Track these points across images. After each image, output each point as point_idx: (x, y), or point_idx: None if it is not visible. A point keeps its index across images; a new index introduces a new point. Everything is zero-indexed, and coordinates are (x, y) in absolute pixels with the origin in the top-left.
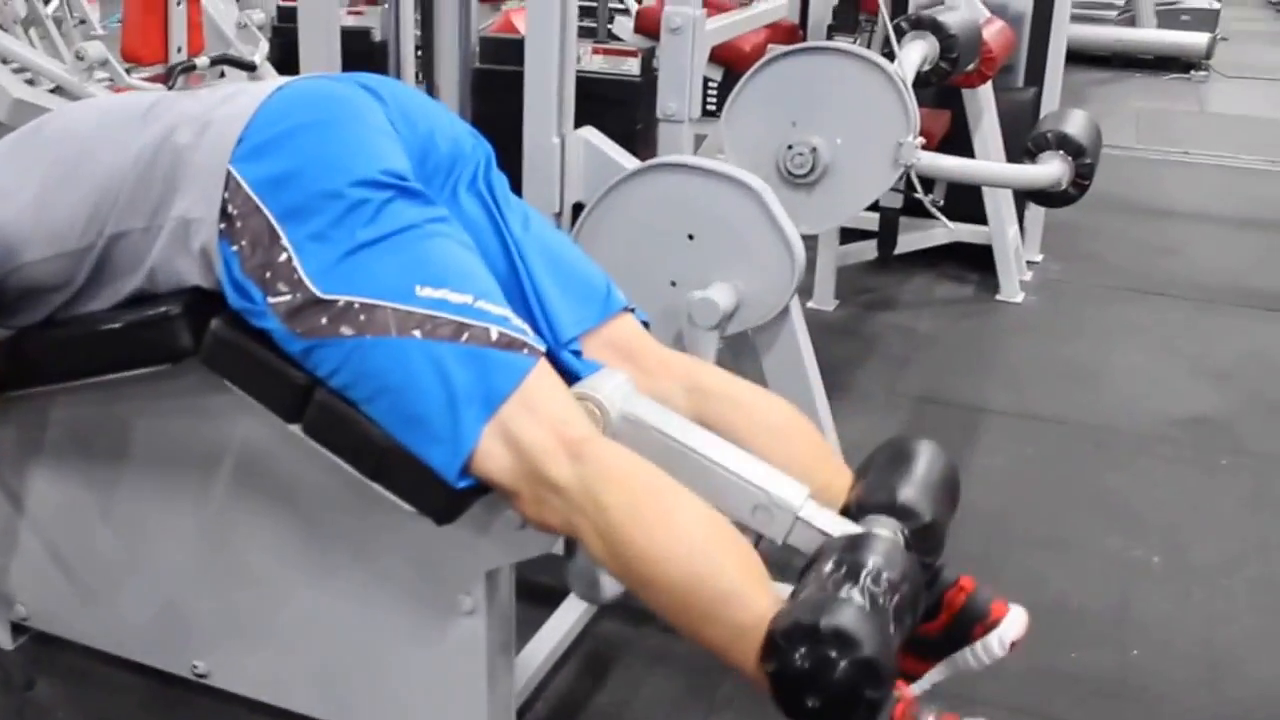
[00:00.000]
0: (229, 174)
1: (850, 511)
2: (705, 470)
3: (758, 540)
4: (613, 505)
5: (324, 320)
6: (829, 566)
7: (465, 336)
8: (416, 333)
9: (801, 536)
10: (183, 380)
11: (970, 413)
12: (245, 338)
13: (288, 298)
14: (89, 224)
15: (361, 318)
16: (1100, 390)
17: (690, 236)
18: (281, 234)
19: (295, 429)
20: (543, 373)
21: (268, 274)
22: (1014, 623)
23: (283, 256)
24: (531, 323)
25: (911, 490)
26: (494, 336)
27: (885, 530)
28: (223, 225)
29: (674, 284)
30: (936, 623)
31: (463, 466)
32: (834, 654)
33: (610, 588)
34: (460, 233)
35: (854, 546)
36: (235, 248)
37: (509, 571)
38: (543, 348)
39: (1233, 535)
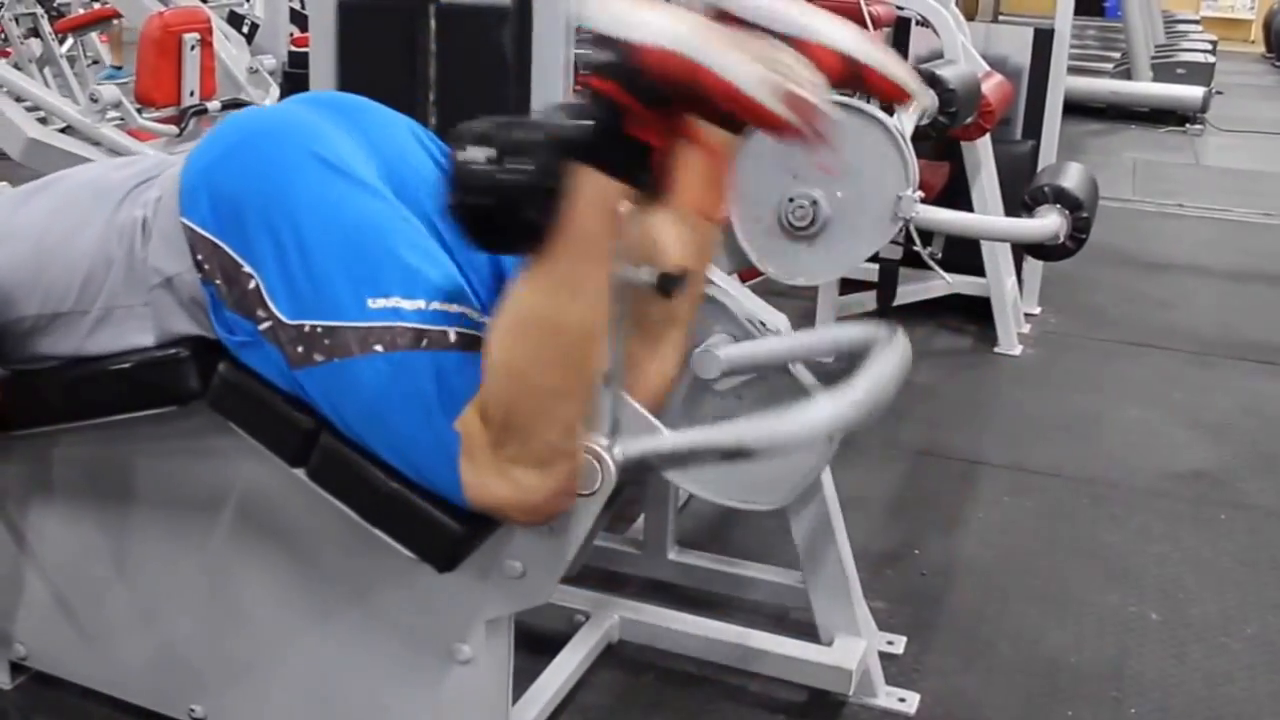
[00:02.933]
0: (184, 226)
1: None
2: None
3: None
4: (487, 414)
5: (299, 348)
6: None
7: (424, 342)
8: (378, 347)
9: None
10: (188, 423)
11: (967, 465)
12: (252, 381)
13: (268, 324)
14: (82, 292)
15: (326, 342)
16: (1097, 443)
17: None
18: (242, 263)
19: (300, 474)
20: None
21: (247, 303)
22: None
23: (251, 284)
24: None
25: None
26: (452, 339)
27: None
28: (200, 274)
29: None
30: None
31: (459, 481)
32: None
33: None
34: (408, 218)
35: None
36: (213, 287)
37: (508, 620)
38: None
39: (1231, 591)
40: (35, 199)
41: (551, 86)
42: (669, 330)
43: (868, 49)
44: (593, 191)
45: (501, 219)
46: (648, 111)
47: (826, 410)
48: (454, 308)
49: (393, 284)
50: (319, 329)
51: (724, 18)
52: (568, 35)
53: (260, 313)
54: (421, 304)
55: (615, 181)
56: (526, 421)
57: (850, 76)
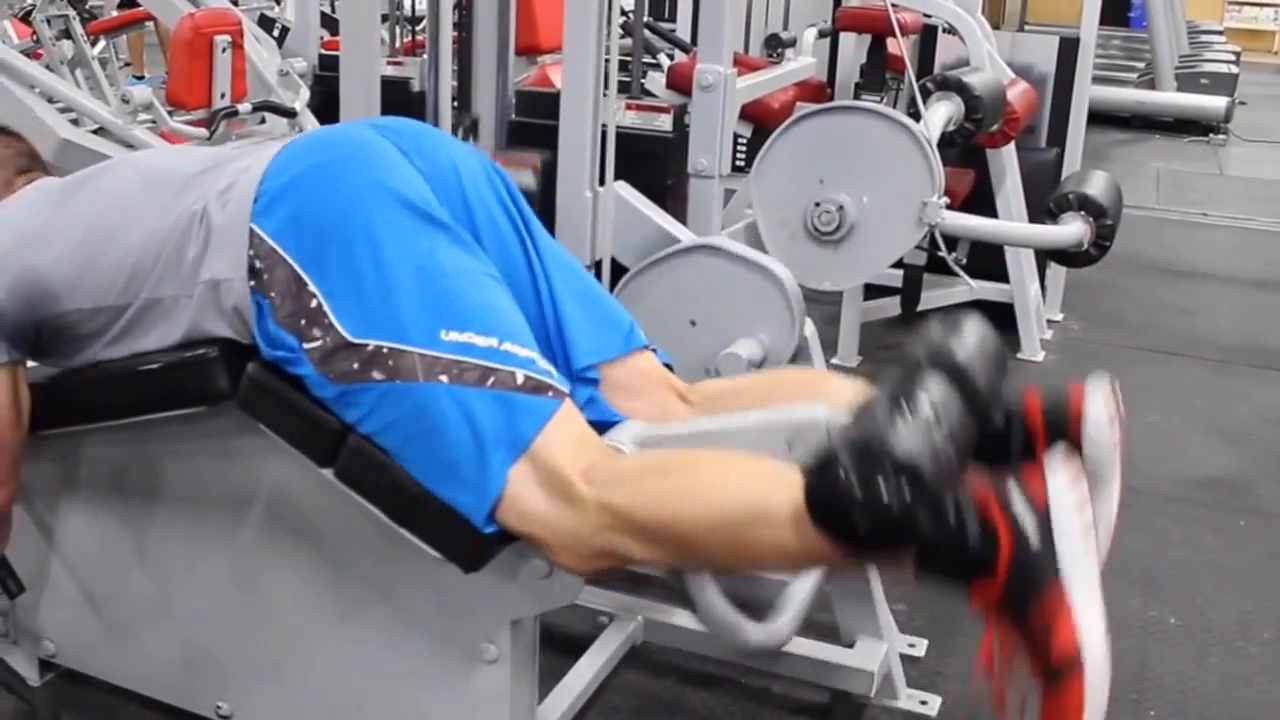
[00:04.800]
0: (251, 231)
1: None
2: (730, 441)
3: None
4: (625, 502)
5: (355, 365)
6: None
7: (491, 381)
8: (443, 378)
9: None
10: (217, 422)
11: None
12: (280, 382)
13: (320, 342)
14: (128, 285)
15: (390, 363)
16: None
17: (692, 322)
18: (308, 280)
19: (327, 473)
20: (567, 415)
21: (301, 321)
22: (1094, 403)
23: (313, 303)
24: (550, 349)
25: (942, 341)
26: (519, 380)
27: (907, 369)
28: (252, 282)
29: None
30: (1040, 450)
31: (490, 511)
32: (868, 462)
33: (756, 634)
34: (484, 262)
35: (875, 395)
36: (267, 300)
37: (534, 621)
38: (567, 388)
39: (1250, 596)
40: (80, 194)
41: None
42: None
43: None
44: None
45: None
46: (1000, 614)
47: None
48: (524, 351)
49: (468, 320)
50: (385, 349)
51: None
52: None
53: (315, 331)
54: (494, 342)
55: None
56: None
57: None
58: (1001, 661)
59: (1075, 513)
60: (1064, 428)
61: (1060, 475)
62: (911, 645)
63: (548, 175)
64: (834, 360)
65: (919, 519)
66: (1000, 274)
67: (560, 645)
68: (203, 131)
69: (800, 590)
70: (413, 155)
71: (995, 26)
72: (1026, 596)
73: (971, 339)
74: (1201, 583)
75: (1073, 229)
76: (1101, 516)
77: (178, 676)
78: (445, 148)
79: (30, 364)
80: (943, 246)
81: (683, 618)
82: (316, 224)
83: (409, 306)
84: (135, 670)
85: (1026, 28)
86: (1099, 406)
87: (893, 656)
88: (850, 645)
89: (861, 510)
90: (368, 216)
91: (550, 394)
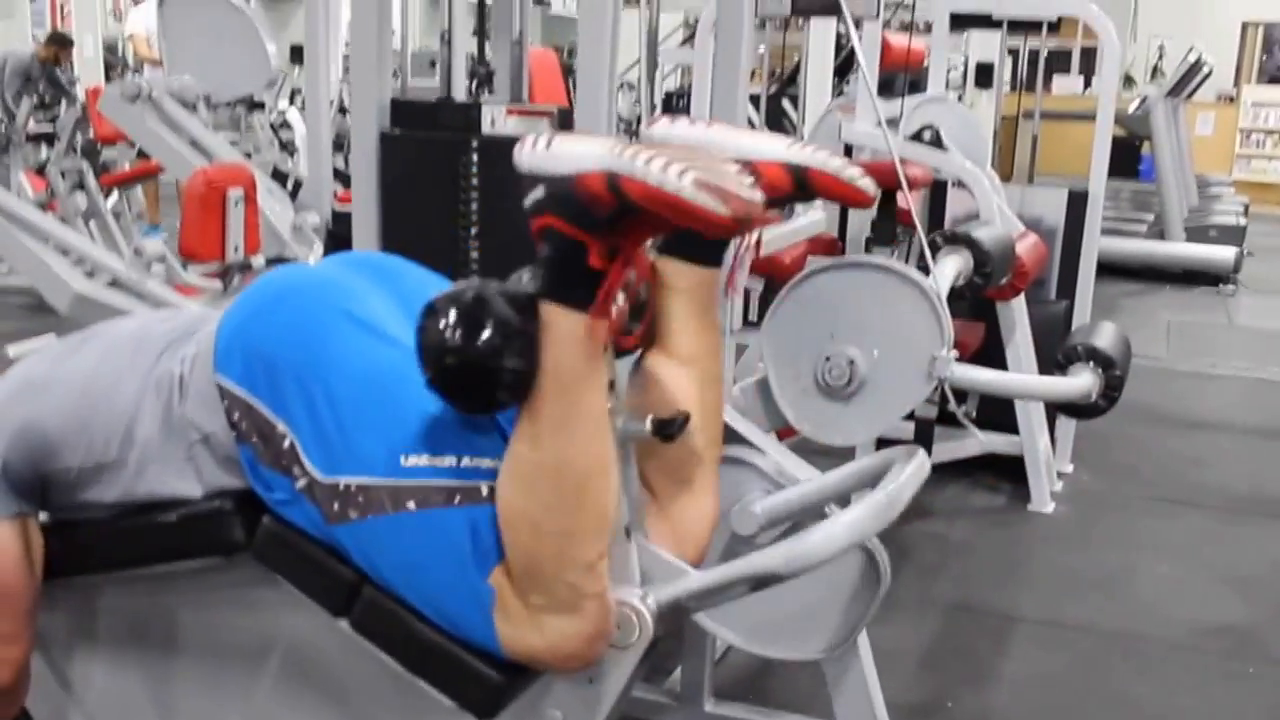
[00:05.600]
0: (219, 385)
1: None
2: None
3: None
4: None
5: (335, 505)
6: None
7: (457, 499)
8: (411, 504)
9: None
10: (233, 573)
11: (1001, 621)
12: (294, 533)
13: (304, 481)
14: (123, 442)
15: (359, 499)
16: (1128, 599)
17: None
18: (276, 422)
19: (343, 624)
20: None
21: (283, 462)
22: None
23: (285, 443)
24: None
25: None
26: (484, 493)
27: None
28: (234, 431)
29: None
30: None
31: (493, 630)
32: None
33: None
34: None
35: None
36: (250, 446)
37: None
38: None
39: None
40: (80, 351)
41: None
42: (695, 471)
43: (809, 154)
44: (564, 329)
45: (478, 378)
46: (594, 238)
47: (846, 522)
48: (485, 462)
49: (424, 441)
50: (353, 486)
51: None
52: None
53: (296, 470)
54: (452, 460)
55: (584, 315)
56: (545, 567)
57: (799, 185)
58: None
59: None
60: None
61: None
62: None
63: (564, 124)
64: None
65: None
66: (1010, 426)
67: None
68: (217, 284)
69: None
70: (382, 284)
71: (1005, 179)
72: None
73: None
74: None
75: (1082, 381)
76: None
77: None
78: (421, 282)
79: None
80: (952, 400)
81: None
82: (267, 363)
83: (366, 437)
84: None
85: (1036, 180)
86: None
87: None
88: None
89: (450, 355)
90: (312, 342)
91: None
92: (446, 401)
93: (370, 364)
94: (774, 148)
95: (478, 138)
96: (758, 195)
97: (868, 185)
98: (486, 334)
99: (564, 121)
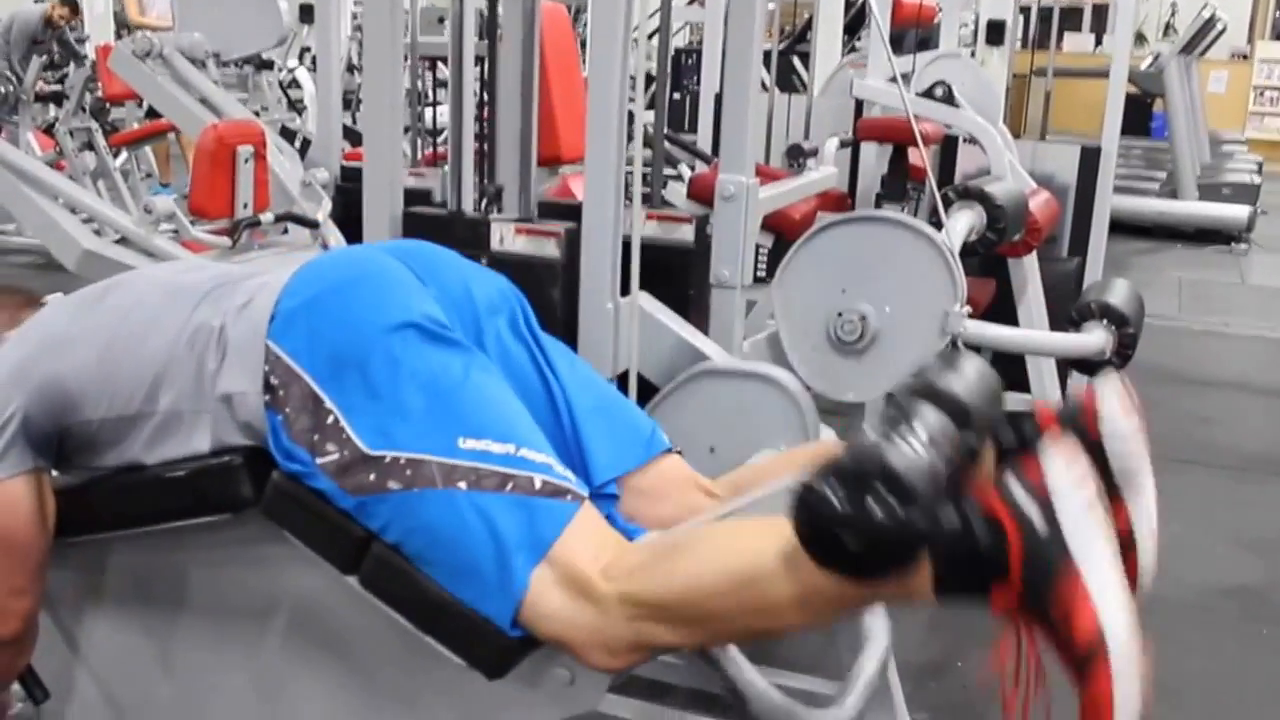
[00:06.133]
0: (267, 347)
1: None
2: (743, 512)
3: None
4: (646, 588)
5: (372, 476)
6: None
7: (510, 486)
8: (462, 484)
9: None
10: (242, 530)
11: None
12: (305, 490)
13: (335, 456)
14: (148, 395)
15: (408, 472)
16: None
17: (711, 450)
18: (324, 397)
19: (352, 581)
20: (587, 516)
21: (315, 437)
22: (1108, 389)
23: (330, 419)
24: (570, 465)
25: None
26: (538, 485)
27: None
28: (267, 397)
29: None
30: None
31: (514, 615)
32: (850, 481)
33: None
34: (499, 377)
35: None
36: (280, 416)
37: None
38: (585, 492)
39: (1272, 706)
40: (104, 301)
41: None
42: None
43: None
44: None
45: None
46: (1024, 614)
47: None
48: (540, 457)
49: (484, 428)
50: (402, 459)
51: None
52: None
53: (330, 445)
54: (511, 449)
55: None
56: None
57: None
58: (1029, 666)
59: (1077, 490)
60: (1081, 428)
61: (1055, 456)
62: None
63: (571, 245)
64: None
65: (915, 527)
66: (1022, 384)
67: None
68: (225, 241)
69: (867, 667)
70: (426, 279)
71: (1016, 136)
72: (1043, 588)
73: (969, 372)
74: (1223, 692)
75: (1095, 337)
76: (1143, 516)
77: None
78: (459, 272)
79: (55, 473)
80: None
81: None
82: (333, 343)
83: (425, 417)
84: None
85: (1048, 137)
86: (1113, 397)
87: None
88: None
89: (849, 529)
90: (383, 338)
91: (569, 497)
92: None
93: (436, 359)
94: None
95: (486, 255)
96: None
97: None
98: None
99: (572, 238)
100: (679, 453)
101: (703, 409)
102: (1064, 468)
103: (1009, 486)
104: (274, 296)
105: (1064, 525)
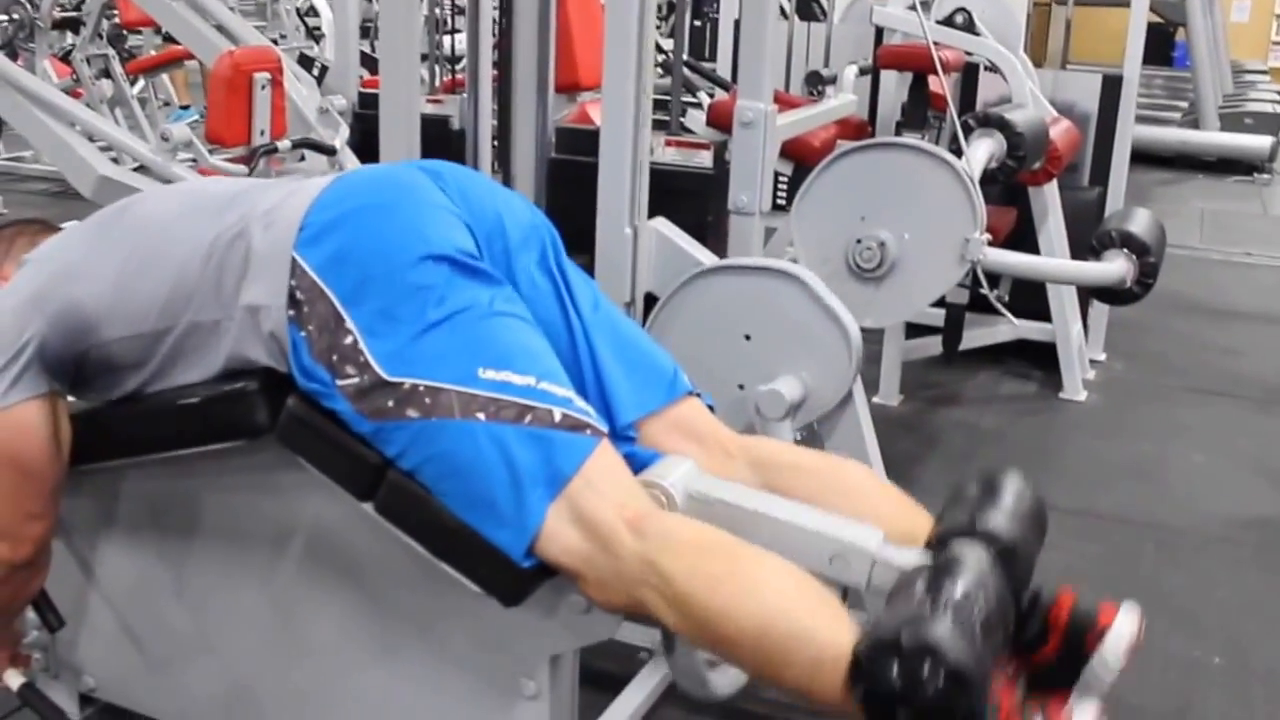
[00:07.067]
0: (293, 260)
1: (931, 545)
2: (777, 530)
3: (844, 595)
4: (676, 571)
5: (390, 403)
6: (913, 588)
7: (529, 419)
8: (480, 415)
9: (883, 578)
10: (257, 457)
11: None
12: (320, 417)
13: (355, 380)
14: (165, 310)
15: (426, 400)
16: (1162, 490)
17: (747, 337)
18: (346, 317)
19: (367, 508)
20: (605, 453)
21: (334, 357)
22: (1123, 625)
23: (349, 339)
24: (591, 404)
25: (993, 515)
26: (557, 418)
27: (967, 550)
28: (291, 311)
29: (741, 386)
30: (1049, 647)
31: (528, 547)
32: (922, 666)
33: (720, 684)
34: (524, 311)
35: (937, 569)
36: (303, 332)
37: (573, 656)
38: (605, 428)
39: None
40: (118, 223)
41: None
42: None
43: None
44: None
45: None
46: None
47: None
48: (560, 390)
49: (506, 359)
50: (421, 387)
51: None
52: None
53: (349, 368)
54: (532, 380)
55: None
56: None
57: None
58: None
59: None
60: (1082, 637)
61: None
62: None
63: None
64: (875, 399)
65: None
66: (1043, 313)
67: (599, 681)
68: (242, 168)
69: None
70: (458, 202)
71: (1037, 65)
72: None
73: (1010, 503)
74: (1245, 623)
75: (1116, 266)
76: None
77: (218, 712)
78: (492, 197)
79: (71, 399)
80: (985, 284)
81: None
82: (361, 263)
83: (446, 346)
84: (175, 705)
85: (1069, 66)
86: (1124, 632)
87: None
88: None
89: (905, 708)
90: (412, 262)
91: (588, 432)
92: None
93: (457, 288)
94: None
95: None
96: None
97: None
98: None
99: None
100: (699, 395)
101: (759, 303)
102: None
103: None
104: (304, 207)
105: None
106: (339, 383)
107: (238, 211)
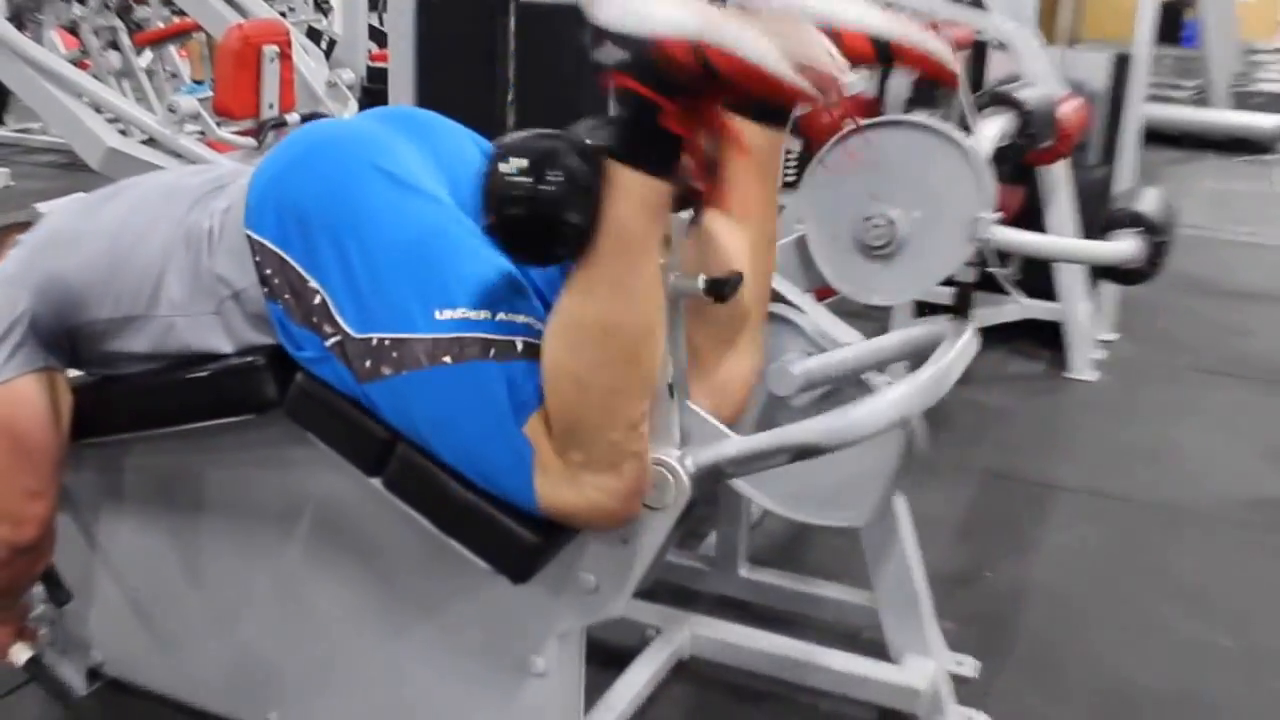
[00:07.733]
0: (249, 239)
1: None
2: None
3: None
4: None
5: (367, 362)
6: None
7: (492, 352)
8: (446, 359)
9: None
10: (265, 431)
11: (1039, 489)
12: (328, 391)
13: (336, 338)
14: (151, 298)
15: (394, 355)
16: (1170, 470)
17: None
18: (308, 277)
19: (375, 483)
20: None
21: (314, 319)
22: None
23: (317, 299)
24: (551, 278)
25: None
26: (519, 348)
27: None
28: (265, 288)
29: None
30: None
31: (531, 483)
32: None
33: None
34: (472, 229)
35: None
36: (280, 304)
37: (580, 634)
38: None
39: None
40: (109, 203)
41: None
42: (740, 333)
43: (897, 26)
44: (631, 191)
45: (539, 228)
46: (672, 102)
47: (891, 399)
48: (520, 318)
49: (459, 295)
50: (386, 341)
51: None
52: None
53: (327, 328)
54: (487, 314)
55: (652, 179)
56: (588, 424)
57: (883, 57)
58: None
59: None
60: None
61: None
62: (959, 663)
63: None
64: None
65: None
66: (1051, 292)
67: (607, 658)
68: (251, 142)
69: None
70: (418, 140)
71: (1047, 42)
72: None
73: None
74: (1254, 604)
75: (1126, 245)
76: None
77: (227, 687)
78: (455, 138)
79: (74, 373)
80: (994, 263)
81: (730, 631)
82: (300, 217)
83: (401, 292)
84: (184, 681)
85: (1078, 44)
86: None
87: (940, 674)
88: (899, 663)
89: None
90: (346, 197)
91: None
92: (502, 250)
93: (405, 219)
94: (859, 15)
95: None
96: (847, 76)
97: (951, 62)
98: (555, 185)
99: None
100: None
101: None
102: None
103: None
104: (246, 187)
105: None
106: (327, 343)
107: (207, 209)
